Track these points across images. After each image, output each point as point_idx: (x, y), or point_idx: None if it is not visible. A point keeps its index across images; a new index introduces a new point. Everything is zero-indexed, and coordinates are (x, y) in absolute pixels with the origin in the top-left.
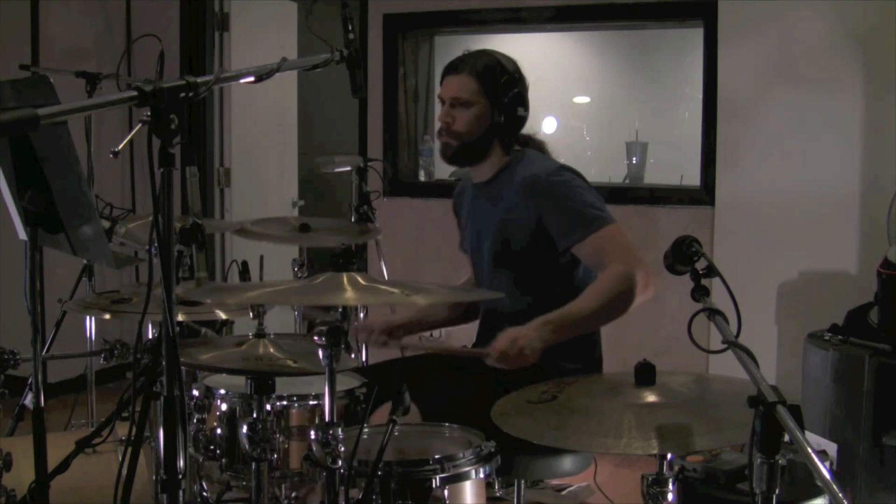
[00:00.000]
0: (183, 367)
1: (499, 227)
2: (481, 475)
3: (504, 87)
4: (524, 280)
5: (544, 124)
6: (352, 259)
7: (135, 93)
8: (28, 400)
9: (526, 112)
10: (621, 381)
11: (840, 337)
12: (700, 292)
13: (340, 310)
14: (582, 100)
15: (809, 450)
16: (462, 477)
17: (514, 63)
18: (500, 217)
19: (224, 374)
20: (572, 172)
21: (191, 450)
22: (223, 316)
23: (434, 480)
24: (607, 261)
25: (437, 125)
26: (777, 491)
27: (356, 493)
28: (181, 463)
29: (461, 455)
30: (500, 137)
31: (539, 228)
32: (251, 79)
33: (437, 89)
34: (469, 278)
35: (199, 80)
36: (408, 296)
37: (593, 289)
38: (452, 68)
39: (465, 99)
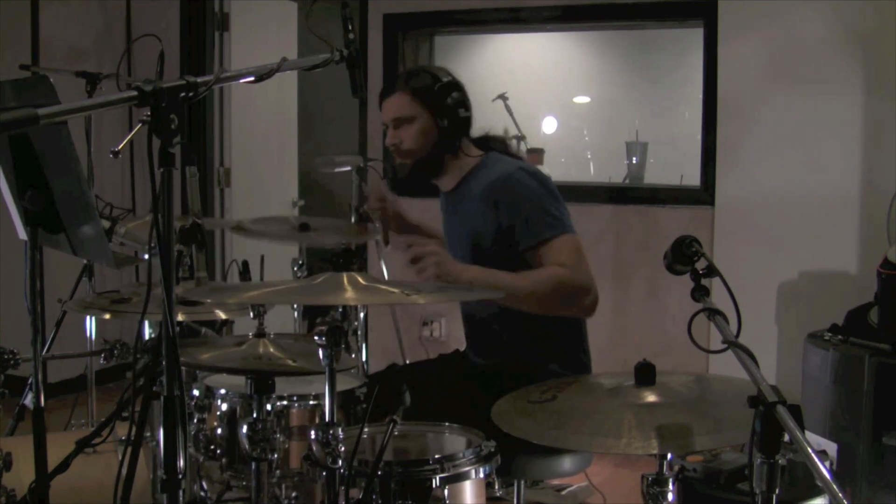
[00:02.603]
0: (183, 368)
1: (467, 234)
2: (481, 475)
3: (440, 92)
4: None
5: (544, 124)
6: (352, 259)
7: (135, 93)
8: (28, 400)
9: (468, 112)
10: (621, 381)
11: (840, 337)
12: (700, 292)
13: (340, 310)
14: (582, 100)
15: (809, 450)
16: (462, 477)
17: (446, 71)
18: (467, 224)
19: (224, 374)
20: (531, 175)
21: (191, 450)
22: (223, 316)
23: (434, 480)
24: (559, 265)
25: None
26: (777, 491)
27: (356, 493)
28: (181, 463)
29: (461, 455)
30: (450, 143)
31: (501, 233)
32: (251, 79)
33: (382, 115)
34: None
35: (199, 80)
36: (408, 295)
37: (534, 274)
38: (387, 91)
39: (406, 115)
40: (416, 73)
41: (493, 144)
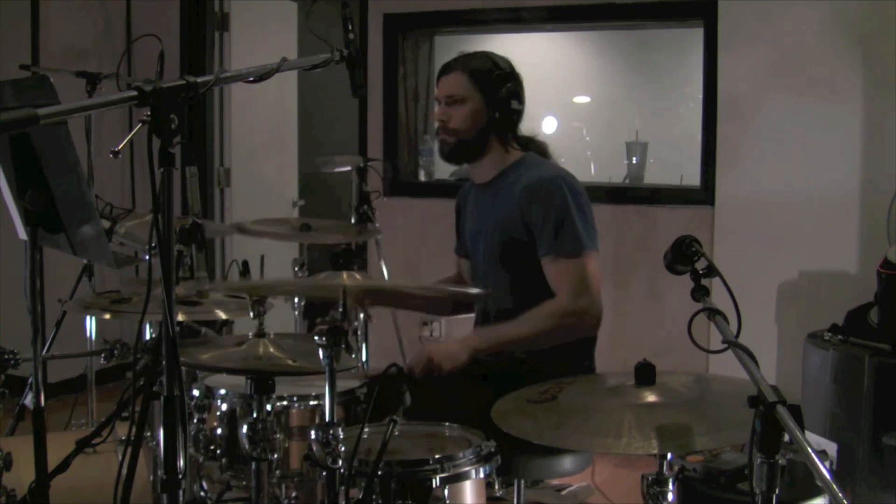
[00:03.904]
0: (183, 368)
1: (496, 230)
2: (481, 475)
3: (496, 81)
4: (515, 282)
5: (544, 124)
6: (352, 259)
7: (135, 93)
8: (28, 400)
9: (521, 106)
10: (621, 381)
11: (840, 337)
12: (700, 292)
13: (340, 310)
14: (582, 100)
15: (809, 450)
16: (462, 477)
17: (507, 61)
18: (498, 220)
19: (224, 374)
20: (570, 183)
21: (191, 450)
22: (223, 316)
23: (434, 480)
24: (561, 290)
25: (435, 124)
26: (777, 491)
27: (356, 493)
28: (181, 463)
29: (461, 455)
30: (497, 133)
31: (529, 233)
32: (251, 79)
33: (437, 90)
34: (452, 276)
35: (199, 80)
36: None
37: (531, 315)
38: (446, 68)
39: (460, 96)
40: (477, 57)
41: (532, 146)
